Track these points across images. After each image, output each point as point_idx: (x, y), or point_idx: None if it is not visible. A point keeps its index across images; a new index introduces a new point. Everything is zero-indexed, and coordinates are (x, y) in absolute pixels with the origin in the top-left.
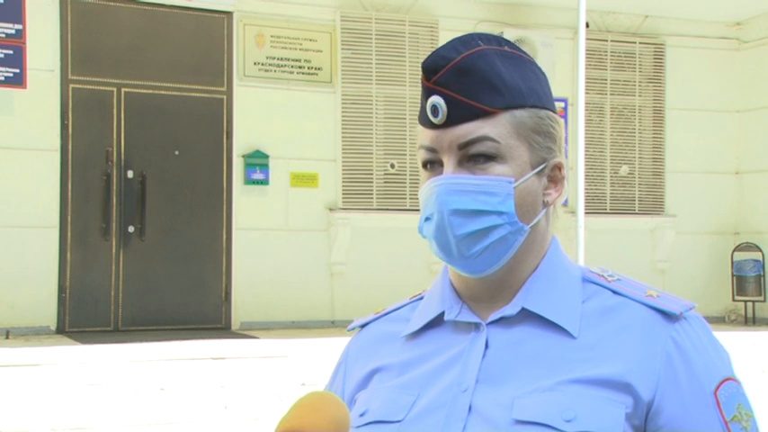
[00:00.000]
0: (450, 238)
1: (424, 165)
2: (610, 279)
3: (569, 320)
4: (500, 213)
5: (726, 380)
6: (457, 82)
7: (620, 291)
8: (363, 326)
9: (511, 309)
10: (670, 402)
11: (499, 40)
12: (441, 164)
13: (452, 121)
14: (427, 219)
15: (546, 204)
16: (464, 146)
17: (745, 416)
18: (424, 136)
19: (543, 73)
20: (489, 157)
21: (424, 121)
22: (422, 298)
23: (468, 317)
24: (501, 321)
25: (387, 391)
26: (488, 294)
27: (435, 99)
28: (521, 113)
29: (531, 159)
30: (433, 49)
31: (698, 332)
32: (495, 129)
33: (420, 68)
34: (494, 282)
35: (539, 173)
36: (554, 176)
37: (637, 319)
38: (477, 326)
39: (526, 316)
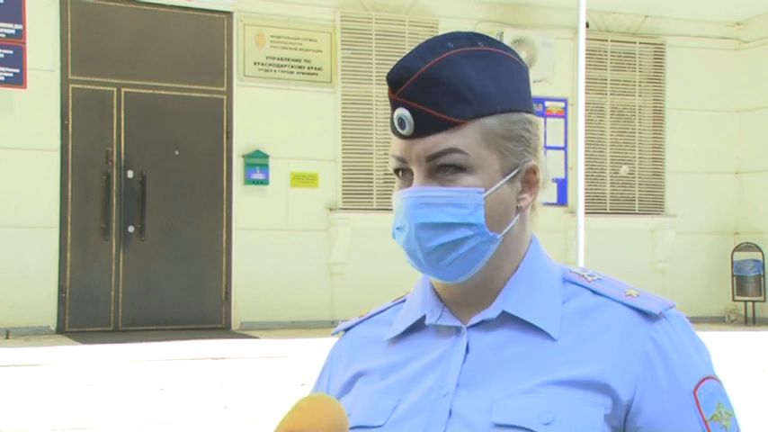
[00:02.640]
0: (419, 251)
1: (396, 173)
2: (590, 279)
3: (549, 322)
4: (470, 225)
5: (705, 379)
6: (422, 94)
7: (600, 291)
8: (347, 329)
9: (491, 312)
10: (649, 402)
11: (472, 39)
12: (411, 173)
13: (420, 132)
14: (398, 228)
15: (519, 210)
16: (432, 158)
17: (725, 415)
18: (395, 145)
19: (521, 67)
20: (458, 168)
21: (393, 130)
22: (404, 300)
23: (449, 321)
24: (481, 325)
25: (368, 396)
26: (469, 298)
27: (401, 111)
28: (490, 121)
29: (501, 167)
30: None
31: (678, 331)
32: (463, 140)
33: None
34: (473, 286)
35: (511, 179)
36: (528, 180)
37: (616, 319)
38: (457, 329)
39: (506, 319)
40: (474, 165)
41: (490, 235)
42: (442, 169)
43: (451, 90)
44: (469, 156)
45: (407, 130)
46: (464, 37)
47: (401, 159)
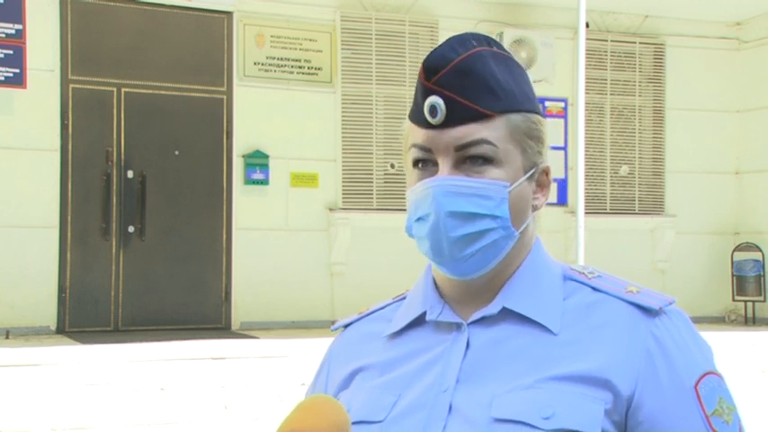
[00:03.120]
0: (444, 240)
1: (416, 163)
2: (590, 276)
3: (550, 318)
4: (494, 217)
5: (706, 374)
6: (457, 83)
7: (600, 287)
8: (347, 326)
9: (492, 308)
10: (650, 397)
11: (489, 41)
12: (434, 164)
13: (451, 122)
14: (419, 219)
15: (535, 209)
16: (461, 148)
17: (726, 410)
18: (418, 134)
19: (525, 71)
20: (486, 161)
21: (419, 119)
22: (405, 297)
23: (450, 317)
24: (482, 321)
25: (368, 391)
26: (470, 295)
27: (434, 99)
28: (516, 117)
29: (523, 164)
30: (433, 48)
31: (678, 327)
32: (492, 132)
33: (420, 67)
34: (477, 283)
35: (529, 177)
36: (542, 181)
37: (616, 315)
38: (458, 326)
39: (507, 315)
40: (501, 158)
41: (512, 230)
42: (470, 160)
43: (483, 83)
44: (498, 149)
45: (438, 119)
46: (481, 38)
47: (425, 149)
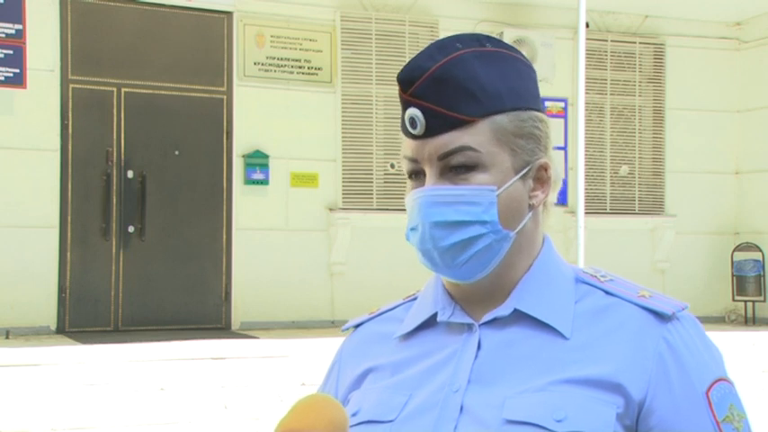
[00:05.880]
0: (434, 250)
1: (409, 175)
2: (602, 279)
3: (561, 321)
4: (483, 223)
5: (718, 380)
6: (434, 92)
7: (613, 291)
8: (357, 326)
9: (503, 310)
10: (661, 403)
11: (480, 40)
12: (424, 173)
13: (431, 131)
14: (412, 229)
15: (532, 207)
16: (444, 156)
17: (737, 416)
18: (406, 146)
19: (529, 67)
20: (470, 167)
21: (404, 131)
22: (415, 298)
23: (461, 318)
24: (494, 322)
25: (379, 392)
26: (481, 296)
27: (413, 111)
28: (501, 119)
29: (513, 164)
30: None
31: (690, 332)
32: (474, 138)
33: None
34: (485, 284)
35: (523, 176)
36: (540, 177)
37: (629, 319)
38: (469, 327)
39: (519, 317)
40: (486, 162)
41: (504, 232)
42: (454, 169)
43: (462, 88)
44: (481, 153)
45: (419, 130)
46: (472, 38)
47: (413, 160)
